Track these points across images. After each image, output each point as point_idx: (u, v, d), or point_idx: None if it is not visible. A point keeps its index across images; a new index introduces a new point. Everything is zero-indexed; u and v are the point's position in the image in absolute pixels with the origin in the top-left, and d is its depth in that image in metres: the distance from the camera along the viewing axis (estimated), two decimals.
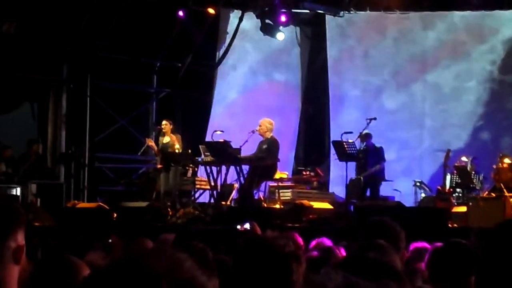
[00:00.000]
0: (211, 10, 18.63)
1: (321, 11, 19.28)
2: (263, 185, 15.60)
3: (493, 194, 14.63)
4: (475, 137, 18.39)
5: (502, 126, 18.32)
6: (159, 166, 16.04)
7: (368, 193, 16.06)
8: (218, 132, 15.41)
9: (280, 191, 15.81)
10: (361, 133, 15.98)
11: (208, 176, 15.21)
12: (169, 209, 15.06)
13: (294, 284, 3.10)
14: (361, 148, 15.93)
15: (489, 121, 18.46)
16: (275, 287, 3.11)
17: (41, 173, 17.47)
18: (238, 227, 8.04)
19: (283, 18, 17.75)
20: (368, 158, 16.00)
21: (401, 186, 17.39)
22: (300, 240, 6.22)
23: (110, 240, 7.85)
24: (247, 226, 8.00)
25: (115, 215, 14.77)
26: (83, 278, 1.62)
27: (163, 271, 1.47)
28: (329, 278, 1.63)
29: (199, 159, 15.83)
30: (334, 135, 17.50)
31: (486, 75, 18.64)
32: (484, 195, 14.95)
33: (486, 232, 2.51)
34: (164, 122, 16.14)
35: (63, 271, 3.08)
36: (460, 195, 15.82)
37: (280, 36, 18.04)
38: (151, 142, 16.54)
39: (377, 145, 16.34)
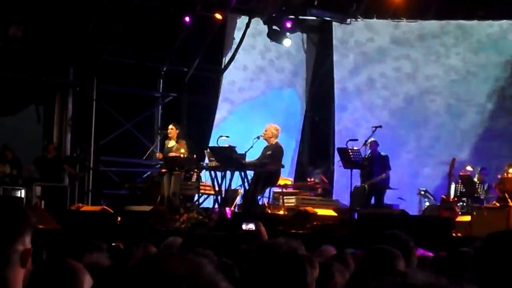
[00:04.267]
0: (218, 16, 18.64)
1: (328, 18, 19.28)
2: (267, 191, 15.59)
3: (497, 204, 14.61)
4: (481, 147, 18.32)
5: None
6: (163, 170, 16.00)
7: (372, 201, 16.00)
8: (224, 138, 15.39)
9: (285, 197, 15.80)
10: (366, 140, 15.94)
11: (213, 181, 15.20)
12: (173, 214, 15.05)
13: (308, 287, 3.10)
14: (366, 156, 15.86)
15: (496, 131, 18.37)
16: None
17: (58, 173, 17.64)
18: (244, 226, 8.02)
19: (288, 25, 17.79)
20: (374, 166, 15.91)
21: (406, 195, 17.36)
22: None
23: (113, 244, 7.85)
24: (251, 226, 7.99)
25: (119, 218, 14.75)
26: (104, 281, 1.61)
27: (183, 275, 1.47)
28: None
29: (204, 164, 15.83)
30: (339, 142, 17.49)
31: (496, 85, 18.54)
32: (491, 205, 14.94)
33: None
34: (170, 126, 16.10)
35: (62, 275, 3.08)
36: (465, 204, 15.78)
37: (287, 42, 18.08)
38: (160, 156, 16.39)
39: (383, 153, 16.28)
